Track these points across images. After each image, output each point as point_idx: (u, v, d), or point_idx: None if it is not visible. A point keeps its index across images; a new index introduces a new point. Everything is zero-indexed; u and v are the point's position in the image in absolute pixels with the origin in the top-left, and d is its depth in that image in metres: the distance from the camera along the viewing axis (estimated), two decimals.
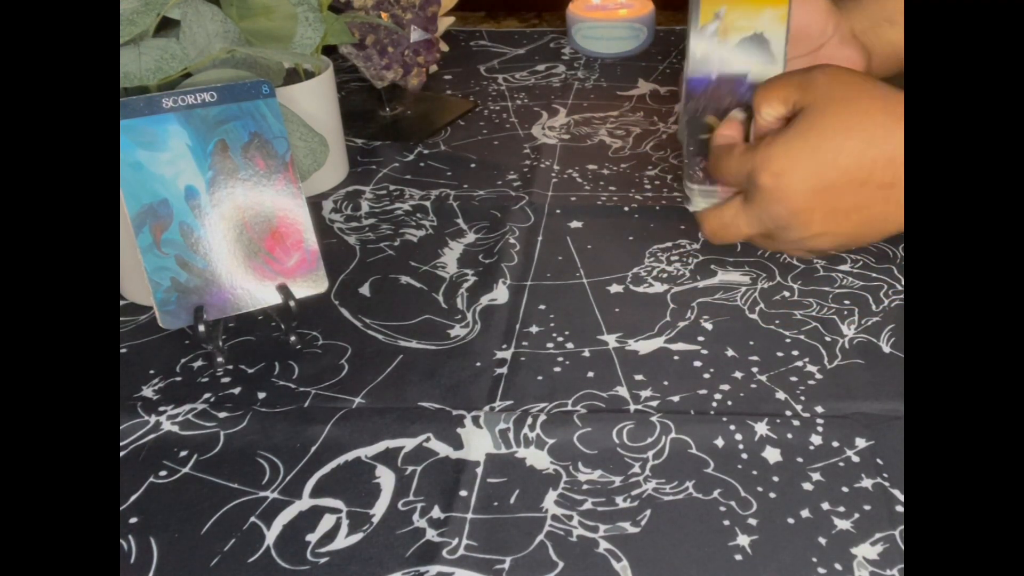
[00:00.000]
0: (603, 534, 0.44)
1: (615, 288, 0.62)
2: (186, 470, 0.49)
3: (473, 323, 0.59)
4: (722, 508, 0.45)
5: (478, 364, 0.56)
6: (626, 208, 0.72)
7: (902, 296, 0.60)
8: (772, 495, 0.46)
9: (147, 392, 0.54)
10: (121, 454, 0.50)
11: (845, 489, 0.46)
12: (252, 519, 0.46)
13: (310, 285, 0.58)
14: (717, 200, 0.56)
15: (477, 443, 0.50)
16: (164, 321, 0.55)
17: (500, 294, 0.62)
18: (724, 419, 0.50)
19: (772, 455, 0.48)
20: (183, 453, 0.50)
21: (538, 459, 0.49)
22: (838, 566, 0.42)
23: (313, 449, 0.50)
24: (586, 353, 0.56)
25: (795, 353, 0.55)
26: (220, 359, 0.56)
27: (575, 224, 0.70)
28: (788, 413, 0.51)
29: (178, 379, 0.55)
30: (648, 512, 0.45)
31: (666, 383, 0.53)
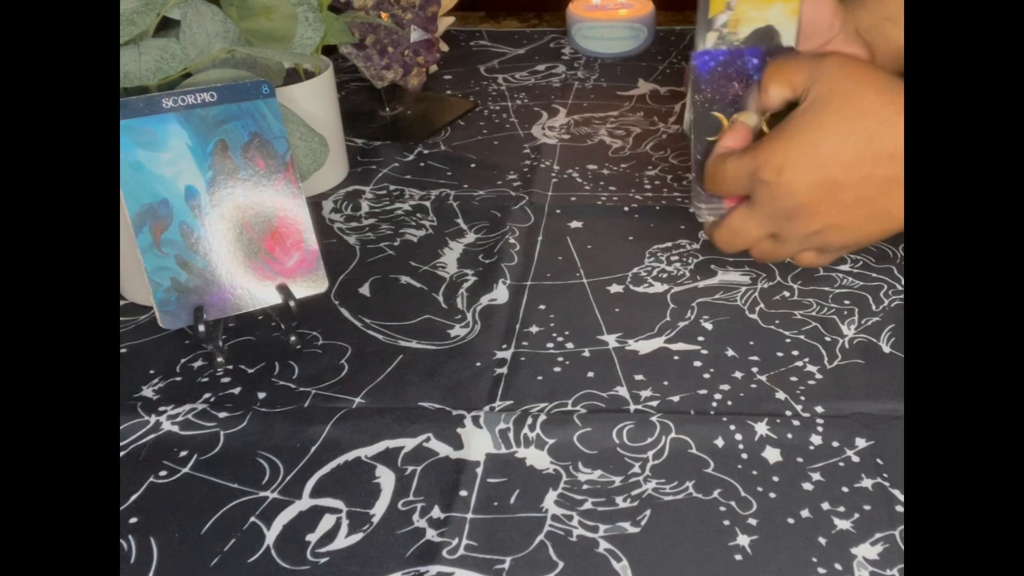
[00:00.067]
0: (603, 534, 0.44)
1: (615, 288, 0.62)
2: (186, 470, 0.49)
3: (473, 323, 0.59)
4: (722, 508, 0.45)
5: (478, 364, 0.56)
6: (626, 208, 0.72)
7: (902, 296, 0.60)
8: (772, 495, 0.46)
9: (147, 392, 0.54)
10: (121, 454, 0.50)
11: (845, 489, 0.46)
12: (252, 519, 0.46)
13: (310, 285, 0.58)
14: (723, 212, 0.56)
15: (477, 443, 0.50)
16: (164, 321, 0.55)
17: (500, 294, 0.62)
18: (724, 419, 0.50)
19: (772, 455, 0.48)
20: (183, 453, 0.50)
21: (538, 459, 0.49)
22: (838, 566, 0.42)
23: (313, 449, 0.50)
24: (586, 353, 0.56)
25: (795, 353, 0.55)
26: (220, 359, 0.56)
27: (575, 224, 0.70)
28: (788, 413, 0.51)
29: (178, 379, 0.55)
30: (648, 512, 0.45)
31: (666, 383, 0.53)
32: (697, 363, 0.55)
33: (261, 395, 0.54)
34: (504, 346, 0.57)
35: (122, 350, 0.58)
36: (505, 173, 0.78)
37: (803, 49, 0.58)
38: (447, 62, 1.02)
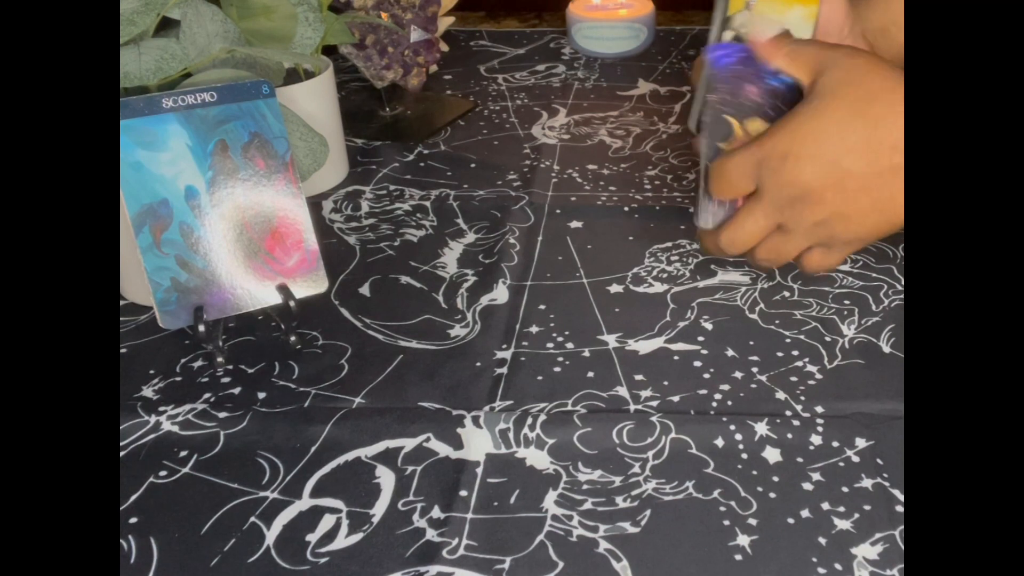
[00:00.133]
0: (603, 534, 0.44)
1: (615, 288, 0.62)
2: (186, 470, 0.49)
3: (473, 323, 0.59)
4: (722, 508, 0.45)
5: (478, 364, 0.56)
6: (626, 208, 0.72)
7: (902, 296, 0.60)
8: (772, 495, 0.46)
9: (147, 392, 0.54)
10: (121, 454, 0.50)
11: (845, 489, 0.46)
12: (252, 519, 0.46)
13: (310, 285, 0.58)
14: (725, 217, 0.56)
15: (477, 443, 0.50)
16: (164, 321, 0.55)
17: (500, 294, 0.62)
18: (724, 419, 0.50)
19: (772, 455, 0.48)
20: (183, 453, 0.50)
21: (538, 459, 0.49)
22: (838, 566, 0.42)
23: (313, 449, 0.50)
24: (586, 353, 0.56)
25: (795, 353, 0.55)
26: (220, 359, 0.56)
27: (575, 224, 0.70)
28: (788, 413, 0.51)
29: (178, 379, 0.55)
30: (648, 512, 0.45)
31: (666, 383, 0.53)
32: (697, 363, 0.55)
33: (261, 395, 0.54)
34: (504, 346, 0.57)
35: (122, 350, 0.58)
36: (505, 173, 0.78)
37: None
38: (447, 62, 1.02)
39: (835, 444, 0.49)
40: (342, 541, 0.44)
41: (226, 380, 0.55)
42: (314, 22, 0.69)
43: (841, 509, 0.45)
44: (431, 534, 0.45)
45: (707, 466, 0.48)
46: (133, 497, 0.47)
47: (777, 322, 0.58)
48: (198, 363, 0.57)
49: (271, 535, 0.45)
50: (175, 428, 0.51)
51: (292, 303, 0.56)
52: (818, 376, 0.53)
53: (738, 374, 0.54)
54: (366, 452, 0.49)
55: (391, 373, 0.55)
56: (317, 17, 0.69)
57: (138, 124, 0.53)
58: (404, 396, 0.53)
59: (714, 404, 0.52)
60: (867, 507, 0.45)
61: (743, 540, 0.44)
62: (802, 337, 0.57)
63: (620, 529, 0.44)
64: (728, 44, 0.55)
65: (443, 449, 0.49)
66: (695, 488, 0.46)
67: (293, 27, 0.66)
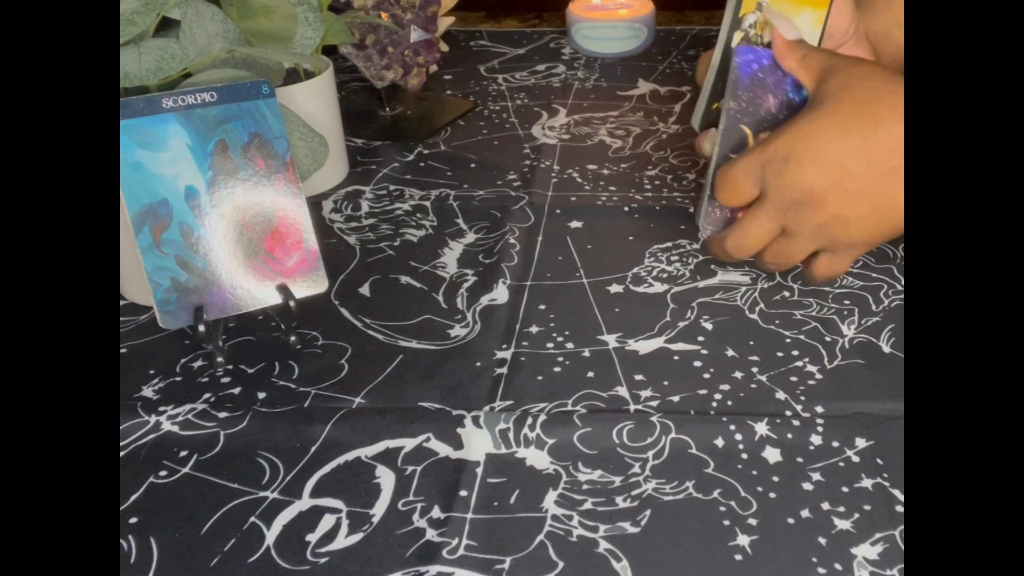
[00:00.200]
0: (603, 534, 0.44)
1: (615, 288, 0.62)
2: (186, 470, 0.49)
3: (473, 323, 0.59)
4: (722, 508, 0.45)
5: (478, 364, 0.56)
6: (626, 208, 0.72)
7: (902, 296, 0.60)
8: (772, 495, 0.46)
9: (147, 392, 0.54)
10: (121, 454, 0.50)
11: (845, 489, 0.46)
12: (252, 519, 0.46)
13: (310, 285, 0.58)
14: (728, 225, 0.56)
15: (477, 443, 0.50)
16: (164, 321, 0.55)
17: (500, 294, 0.62)
18: (724, 419, 0.50)
19: (772, 455, 0.48)
20: (183, 453, 0.50)
21: (538, 459, 0.49)
22: (838, 566, 0.42)
23: (313, 449, 0.50)
24: (586, 353, 0.56)
25: (795, 353, 0.55)
26: (220, 359, 0.56)
27: (575, 224, 0.70)
28: (788, 413, 0.51)
29: (178, 379, 0.55)
30: (648, 512, 0.45)
31: (666, 383, 0.53)
32: (697, 363, 0.55)
33: (261, 395, 0.54)
34: (504, 346, 0.57)
35: (122, 350, 0.58)
36: (505, 173, 0.78)
37: None
38: (447, 62, 1.02)
39: (835, 444, 0.49)
40: (342, 541, 0.44)
41: (226, 380, 0.55)
42: (314, 22, 0.69)
43: (841, 509, 0.45)
44: (431, 534, 0.45)
45: (707, 466, 0.48)
46: (133, 497, 0.47)
47: (777, 322, 0.58)
48: (198, 363, 0.57)
49: (271, 535, 0.45)
50: (175, 428, 0.51)
51: (292, 303, 0.56)
52: (818, 376, 0.53)
53: (738, 374, 0.54)
54: (366, 452, 0.49)
55: (391, 373, 0.55)
56: (317, 17, 0.69)
57: (138, 124, 0.53)
58: (404, 396, 0.53)
59: (714, 404, 0.52)
60: (867, 507, 0.45)
61: (743, 540, 0.44)
62: (802, 337, 0.57)
63: (620, 529, 0.44)
64: (755, 49, 0.54)
65: (443, 449, 0.49)
66: (695, 488, 0.46)
67: (293, 27, 0.66)
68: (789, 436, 0.49)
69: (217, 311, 0.55)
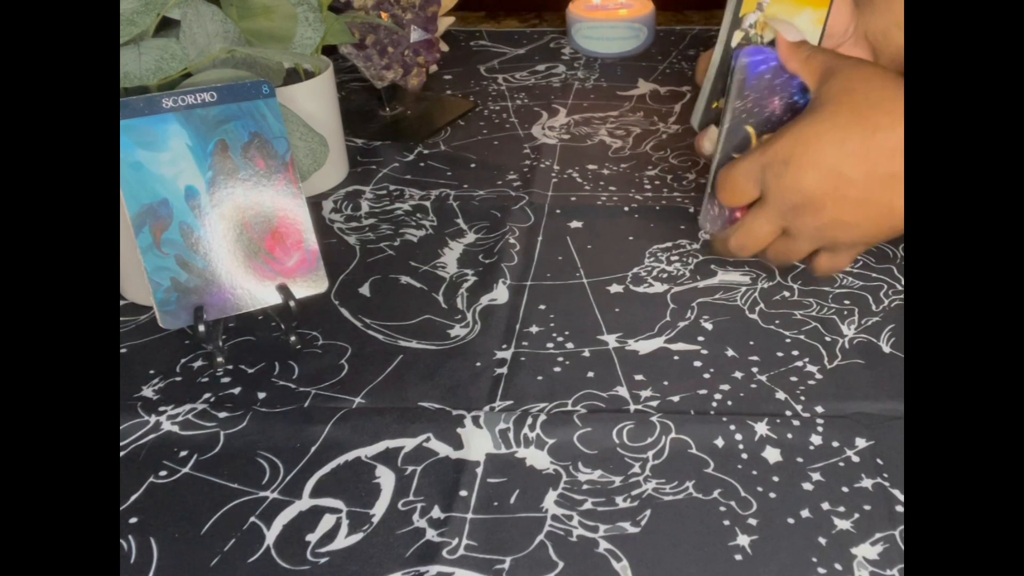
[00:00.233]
0: (603, 534, 0.44)
1: (615, 288, 0.62)
2: (186, 470, 0.49)
3: (473, 323, 0.59)
4: (722, 508, 0.45)
5: (478, 364, 0.56)
6: (626, 208, 0.72)
7: (902, 296, 0.60)
8: (772, 495, 0.46)
9: (147, 392, 0.54)
10: (121, 454, 0.50)
11: (845, 489, 0.46)
12: (252, 519, 0.46)
13: (310, 285, 0.58)
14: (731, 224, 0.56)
15: (477, 443, 0.50)
16: (164, 321, 0.55)
17: (500, 294, 0.62)
18: (724, 419, 0.50)
19: (772, 455, 0.48)
20: (183, 453, 0.50)
21: (538, 459, 0.49)
22: (838, 566, 0.42)
23: (313, 449, 0.50)
24: (586, 353, 0.56)
25: (795, 353, 0.55)
26: (220, 359, 0.56)
27: (575, 224, 0.70)
28: (788, 413, 0.51)
29: (178, 379, 0.55)
30: (648, 512, 0.45)
31: (666, 383, 0.53)
32: (697, 363, 0.55)
33: (261, 395, 0.54)
34: (504, 346, 0.57)
35: (122, 350, 0.58)
36: (505, 173, 0.78)
37: None
38: (447, 62, 1.02)
39: (835, 444, 0.49)
40: (342, 541, 0.44)
41: (226, 380, 0.55)
42: (314, 22, 0.69)
43: (841, 509, 0.45)
44: (431, 534, 0.45)
45: (707, 466, 0.48)
46: (133, 497, 0.47)
47: (777, 322, 0.58)
48: (198, 363, 0.57)
49: (271, 535, 0.45)
50: (175, 428, 0.51)
51: (292, 303, 0.56)
52: (818, 376, 0.53)
53: (738, 374, 0.54)
54: (366, 452, 0.49)
55: (391, 373, 0.55)
56: (317, 17, 0.69)
57: (138, 124, 0.53)
58: (404, 396, 0.53)
59: (714, 404, 0.52)
60: (867, 507, 0.45)
61: (743, 540, 0.44)
62: (802, 337, 0.57)
63: (620, 529, 0.44)
64: (764, 50, 0.54)
65: (443, 449, 0.49)
66: (695, 488, 0.46)
67: (293, 27, 0.66)
68: (789, 436, 0.49)
69: (217, 311, 0.55)
